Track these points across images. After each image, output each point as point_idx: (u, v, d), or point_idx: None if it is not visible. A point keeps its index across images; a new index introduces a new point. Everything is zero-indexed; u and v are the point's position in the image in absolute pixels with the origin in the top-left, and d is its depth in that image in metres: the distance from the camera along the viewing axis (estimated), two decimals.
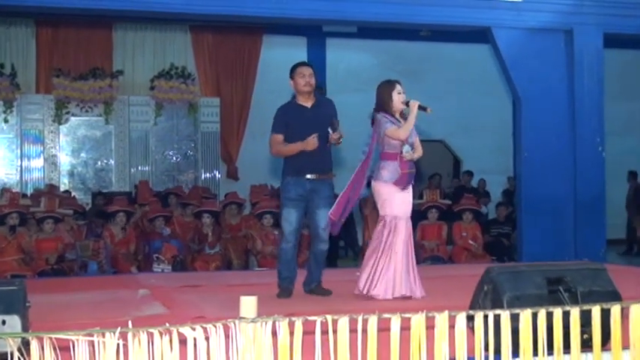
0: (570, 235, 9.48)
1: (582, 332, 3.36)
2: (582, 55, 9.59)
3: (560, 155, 9.55)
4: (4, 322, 3.46)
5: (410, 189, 6.14)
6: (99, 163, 14.26)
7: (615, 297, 3.89)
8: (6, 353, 2.89)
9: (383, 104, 6.07)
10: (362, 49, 15.51)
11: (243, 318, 3.03)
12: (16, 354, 2.84)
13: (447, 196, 13.00)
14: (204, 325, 2.93)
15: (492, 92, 15.23)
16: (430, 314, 3.12)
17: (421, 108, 5.98)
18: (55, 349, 2.79)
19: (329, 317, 2.99)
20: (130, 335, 2.85)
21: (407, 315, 3.09)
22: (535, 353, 3.27)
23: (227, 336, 2.97)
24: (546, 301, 3.74)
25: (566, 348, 3.32)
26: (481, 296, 3.99)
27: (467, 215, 10.86)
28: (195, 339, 2.91)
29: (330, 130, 5.96)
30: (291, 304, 5.65)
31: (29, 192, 12.80)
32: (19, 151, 13.83)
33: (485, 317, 3.24)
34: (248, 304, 3.23)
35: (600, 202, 9.70)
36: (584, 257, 8.70)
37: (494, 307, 3.70)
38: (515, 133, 11.06)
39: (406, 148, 6.00)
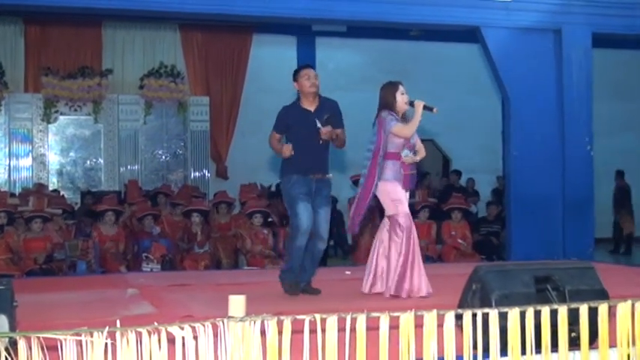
0: (559, 234, 9.52)
1: (570, 331, 3.37)
2: (571, 55, 9.63)
3: (549, 154, 9.59)
4: None
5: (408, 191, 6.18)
6: (88, 162, 14.22)
7: (603, 295, 3.91)
8: None
9: (387, 105, 6.10)
10: (351, 48, 15.54)
11: (232, 317, 3.03)
12: (3, 354, 2.83)
13: (435, 195, 13.03)
14: (193, 324, 2.92)
15: (481, 92, 15.28)
16: (419, 313, 3.12)
17: (427, 108, 6.00)
18: (42, 348, 2.78)
19: (317, 316, 2.99)
20: (118, 335, 2.84)
21: (395, 314, 3.09)
22: (523, 352, 3.28)
23: (215, 335, 2.96)
24: (534, 300, 3.75)
25: (554, 346, 3.33)
26: (470, 295, 4.00)
27: (456, 214, 10.88)
28: (183, 338, 2.90)
29: (319, 124, 5.97)
30: (280, 303, 5.64)
31: (17, 191, 12.74)
32: (7, 150, 13.79)
33: (474, 316, 3.24)
34: (236, 303, 3.23)
35: (588, 201, 9.74)
36: (573, 256, 8.74)
37: (482, 305, 3.71)
38: (504, 133, 11.09)
39: (405, 152, 6.02)
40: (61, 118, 13.99)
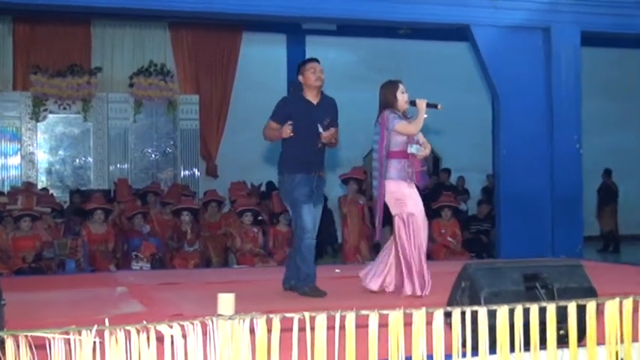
0: (548, 232, 9.56)
1: (558, 328, 3.38)
2: (560, 53, 9.66)
3: (538, 153, 9.61)
4: None
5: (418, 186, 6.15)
6: (77, 160, 14.17)
7: (591, 293, 3.92)
8: None
9: (388, 104, 6.10)
10: (341, 46, 15.54)
11: (221, 315, 3.02)
12: None
13: (425, 193, 13.03)
14: (182, 323, 2.92)
15: (471, 90, 15.31)
16: (408, 311, 3.13)
17: (430, 105, 6.01)
18: (31, 347, 2.77)
19: (306, 314, 2.99)
20: (106, 333, 2.83)
21: (385, 312, 3.10)
22: (512, 349, 3.29)
23: (205, 333, 2.96)
24: (523, 298, 3.76)
25: (543, 344, 3.34)
26: (459, 293, 4.01)
27: (446, 212, 10.89)
28: (172, 337, 2.90)
29: (321, 129, 5.95)
30: (270, 302, 5.64)
31: (6, 190, 12.69)
32: None
33: (463, 314, 3.25)
34: (226, 302, 3.23)
35: (577, 199, 9.78)
36: (562, 254, 8.76)
37: (471, 303, 3.72)
38: (494, 131, 11.12)
39: (415, 147, 6.01)
40: (50, 116, 13.94)
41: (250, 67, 15.44)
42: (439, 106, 6.02)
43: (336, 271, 7.82)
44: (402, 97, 6.10)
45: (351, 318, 3.05)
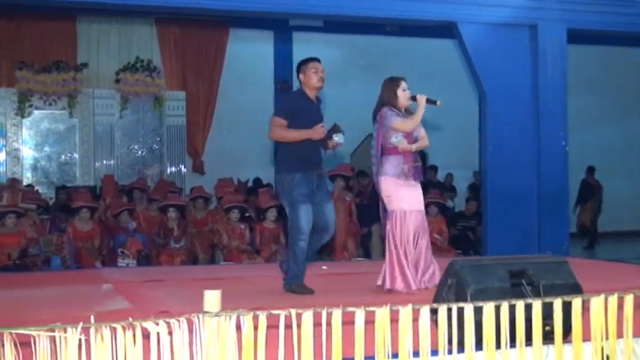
0: (534, 229, 9.59)
1: (544, 325, 3.39)
2: (546, 51, 9.69)
3: (525, 149, 9.64)
4: None
5: (417, 183, 6.13)
6: (63, 157, 14.11)
7: (576, 290, 3.94)
8: None
9: (388, 102, 6.10)
10: (328, 43, 15.52)
11: (207, 312, 3.02)
12: None
13: None
14: (168, 320, 2.91)
15: (458, 87, 15.32)
16: (394, 307, 3.13)
17: (430, 101, 6.02)
18: (15, 344, 2.75)
19: (293, 311, 2.99)
20: (92, 330, 2.82)
21: (371, 309, 3.10)
22: (498, 346, 3.30)
23: (191, 330, 2.95)
24: (509, 294, 3.77)
25: (529, 340, 3.35)
26: (445, 289, 4.02)
27: (432, 209, 10.89)
28: (158, 334, 2.89)
29: (337, 137, 5.92)
30: (257, 298, 5.63)
31: None
32: None
33: (449, 310, 3.26)
34: (212, 299, 3.21)
35: (563, 196, 9.82)
36: (548, 251, 8.80)
37: (457, 300, 3.73)
38: (480, 128, 11.14)
39: (396, 138, 6.01)
40: (36, 112, 13.87)
41: (237, 63, 15.42)
42: (438, 102, 6.04)
43: (323, 267, 7.82)
44: (402, 95, 6.09)
45: (337, 315, 3.05)
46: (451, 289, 3.96)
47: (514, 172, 9.58)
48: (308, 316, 3.01)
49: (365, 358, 3.11)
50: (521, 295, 3.75)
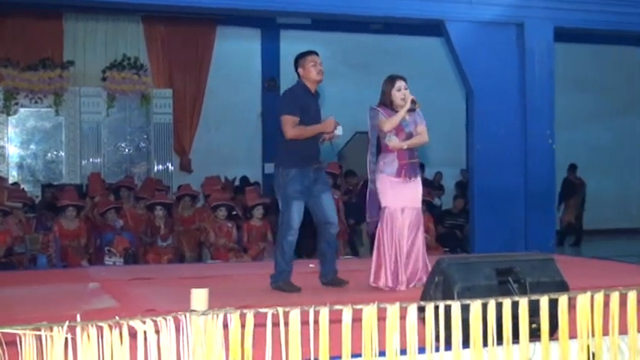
0: (521, 227, 9.62)
1: (531, 322, 3.40)
2: (533, 49, 9.72)
3: (512, 147, 9.67)
4: None
5: (415, 180, 6.13)
6: (49, 155, 14.05)
7: (563, 287, 3.95)
8: None
9: (383, 100, 6.13)
10: (316, 41, 15.44)
11: (194, 311, 3.01)
12: None
13: None
14: (155, 318, 2.90)
15: (445, 85, 15.36)
16: (382, 305, 3.13)
17: (413, 103, 6.05)
18: (1, 343, 2.74)
19: (280, 309, 2.99)
20: (78, 329, 2.81)
21: (358, 307, 3.10)
22: (485, 343, 3.31)
23: (178, 329, 2.94)
24: (496, 292, 3.78)
25: (515, 338, 3.36)
26: (432, 287, 4.02)
27: None
28: (145, 332, 2.88)
29: (338, 130, 5.95)
30: (244, 297, 5.62)
31: None
32: None
33: (436, 308, 3.26)
34: (199, 297, 3.21)
35: (550, 194, 9.86)
36: (535, 248, 8.83)
37: (445, 297, 3.74)
38: (467, 126, 11.16)
39: (388, 137, 6.03)
40: (21, 110, 13.81)
41: (224, 61, 15.40)
42: (417, 106, 6.07)
43: (310, 265, 7.80)
44: (396, 95, 6.09)
45: (324, 313, 3.05)
46: (438, 287, 3.97)
47: (501, 169, 9.60)
48: (295, 315, 3.01)
49: (352, 356, 3.11)
50: (508, 293, 3.76)
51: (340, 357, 3.11)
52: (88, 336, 2.81)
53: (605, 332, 3.50)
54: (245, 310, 2.99)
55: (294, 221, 5.91)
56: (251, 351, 3.00)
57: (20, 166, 13.96)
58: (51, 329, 2.76)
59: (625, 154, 17.67)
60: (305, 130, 5.93)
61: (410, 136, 6.11)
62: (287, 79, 15.30)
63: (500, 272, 3.97)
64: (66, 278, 7.22)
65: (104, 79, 14.18)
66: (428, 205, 11.20)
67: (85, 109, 14.10)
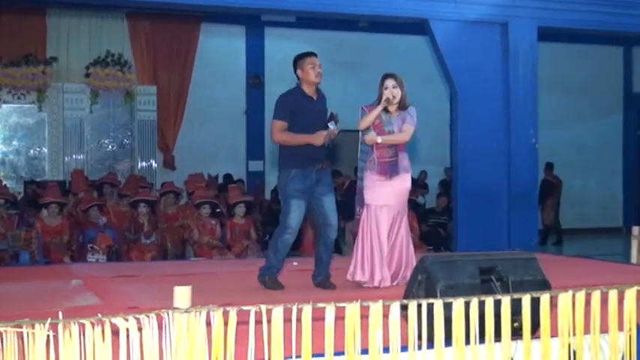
0: (504, 225, 9.65)
1: (513, 321, 3.42)
2: (517, 48, 9.74)
3: (495, 146, 9.70)
4: None
5: (398, 178, 6.13)
6: (31, 151, 13.98)
7: (545, 286, 3.97)
8: None
9: (378, 97, 6.14)
10: (301, 38, 15.50)
11: (177, 308, 3.01)
12: None
13: None
14: (137, 316, 2.89)
15: (430, 84, 15.38)
16: (365, 303, 3.14)
17: (387, 102, 6.05)
18: None
19: (263, 307, 2.99)
20: (60, 326, 2.80)
21: (341, 304, 3.10)
22: (467, 341, 3.32)
23: (160, 326, 2.94)
24: (479, 291, 3.80)
25: (498, 336, 3.38)
26: (415, 285, 4.03)
27: None
28: (128, 330, 2.87)
29: (331, 125, 5.91)
30: (227, 294, 5.62)
31: None
32: None
33: (419, 306, 3.27)
34: (182, 295, 3.20)
35: (533, 193, 9.90)
36: (517, 247, 8.86)
37: (427, 296, 3.75)
38: (451, 125, 11.19)
39: (366, 132, 6.05)
40: (4, 106, 13.74)
41: (209, 58, 15.36)
42: (383, 104, 6.07)
43: (294, 263, 7.81)
44: (383, 93, 6.10)
45: (307, 311, 3.05)
46: (421, 285, 3.98)
47: (484, 168, 9.63)
48: (278, 312, 3.01)
49: (335, 353, 3.11)
50: (490, 291, 3.78)
51: (323, 355, 3.12)
52: (70, 333, 2.80)
53: (587, 331, 3.52)
54: (228, 308, 2.98)
55: (291, 220, 5.90)
56: (234, 349, 3.00)
57: (2, 163, 13.88)
58: (32, 326, 2.75)
59: (608, 154, 17.78)
60: (292, 137, 5.92)
61: (390, 133, 6.12)
62: (271, 76, 15.34)
63: (482, 271, 3.99)
64: (48, 275, 7.17)
65: (88, 75, 14.12)
66: (412, 204, 11.23)
67: (68, 105, 14.03)
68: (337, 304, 3.09)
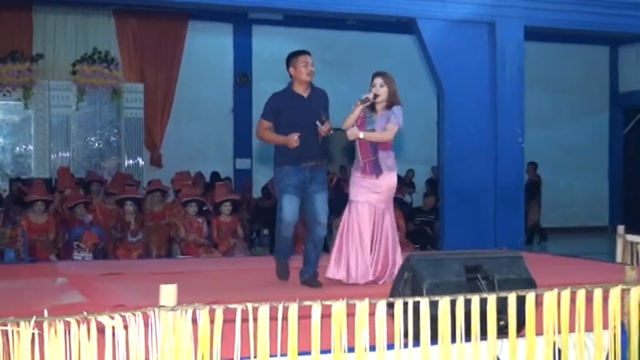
0: (490, 224, 9.69)
1: (499, 319, 3.43)
2: (504, 48, 9.78)
3: (482, 145, 9.73)
4: None
5: (381, 177, 6.13)
6: (17, 148, 13.90)
7: (531, 284, 3.99)
8: None
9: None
10: (288, 36, 15.49)
11: (163, 306, 3.00)
12: None
13: None
14: (123, 314, 2.89)
15: (417, 83, 15.39)
16: (351, 302, 3.14)
17: (366, 100, 6.07)
18: None
19: (249, 305, 2.99)
20: (45, 324, 2.79)
21: (327, 302, 3.11)
22: (453, 340, 3.33)
23: (146, 324, 2.93)
24: (465, 289, 3.80)
25: (483, 335, 3.39)
26: (401, 284, 4.04)
27: None
28: (113, 328, 2.86)
29: (318, 124, 5.92)
30: (214, 292, 5.61)
31: None
32: None
33: (405, 304, 3.28)
34: (168, 293, 3.19)
35: (519, 192, 9.93)
36: (504, 246, 8.89)
37: (414, 294, 3.75)
38: (438, 124, 11.21)
39: (354, 131, 6.06)
40: None
41: (196, 56, 15.33)
42: (364, 100, 6.08)
43: None
44: (371, 90, 6.14)
45: (293, 309, 3.05)
46: (407, 284, 3.98)
47: (471, 167, 9.67)
48: (264, 310, 3.01)
49: (321, 351, 3.12)
50: (476, 290, 3.79)
51: (309, 353, 3.12)
52: (56, 331, 2.79)
53: (572, 329, 3.54)
54: (214, 306, 2.98)
55: (284, 214, 5.96)
56: (220, 347, 3.00)
57: None
58: (18, 324, 2.74)
59: (594, 153, 17.85)
60: (270, 137, 6.10)
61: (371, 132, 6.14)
62: (259, 74, 15.32)
63: (469, 269, 4.00)
64: (34, 273, 7.14)
65: (74, 72, 14.06)
66: (398, 202, 11.25)
67: (54, 102, 13.96)
68: (323, 302, 3.09)
